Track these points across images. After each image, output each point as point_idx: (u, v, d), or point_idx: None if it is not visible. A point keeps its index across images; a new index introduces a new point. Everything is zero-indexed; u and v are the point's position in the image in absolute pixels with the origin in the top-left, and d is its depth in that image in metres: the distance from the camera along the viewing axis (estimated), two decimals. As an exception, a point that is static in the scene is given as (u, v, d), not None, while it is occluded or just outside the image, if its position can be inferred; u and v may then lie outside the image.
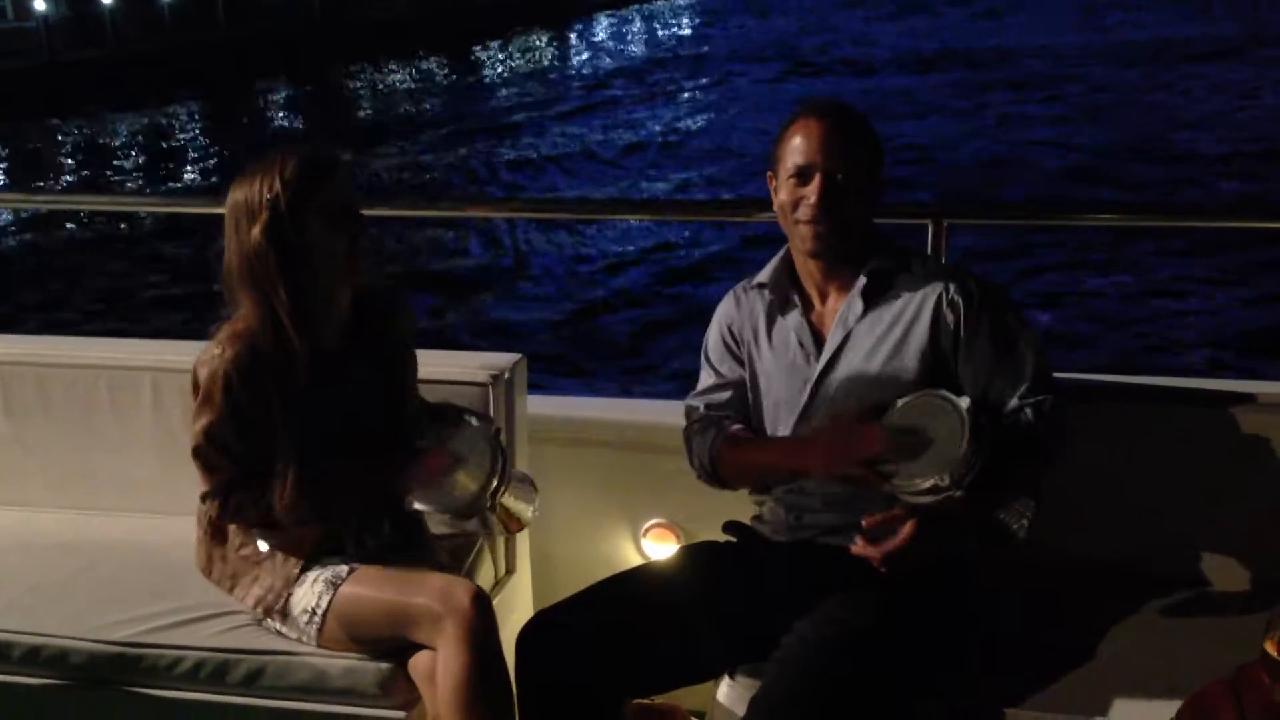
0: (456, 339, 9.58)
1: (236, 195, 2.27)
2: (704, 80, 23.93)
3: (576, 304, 11.05)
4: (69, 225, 15.62)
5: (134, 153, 23.13)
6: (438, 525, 2.52)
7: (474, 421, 2.43)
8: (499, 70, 28.33)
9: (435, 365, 2.70)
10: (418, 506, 2.35)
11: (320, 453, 2.32)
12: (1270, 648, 1.49)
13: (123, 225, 15.00)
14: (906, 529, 2.04)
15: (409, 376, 2.54)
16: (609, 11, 34.81)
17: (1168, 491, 2.50)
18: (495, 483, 2.34)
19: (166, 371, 2.92)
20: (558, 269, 12.14)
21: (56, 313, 11.68)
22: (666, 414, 2.72)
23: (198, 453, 2.35)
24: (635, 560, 2.96)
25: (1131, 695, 2.07)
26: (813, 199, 2.23)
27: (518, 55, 29.90)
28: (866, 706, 2.05)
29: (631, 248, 12.49)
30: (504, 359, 2.82)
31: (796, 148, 2.26)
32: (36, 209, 15.14)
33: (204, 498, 2.38)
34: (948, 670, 2.17)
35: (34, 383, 3.03)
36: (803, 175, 2.25)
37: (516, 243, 13.03)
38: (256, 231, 2.24)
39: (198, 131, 24.71)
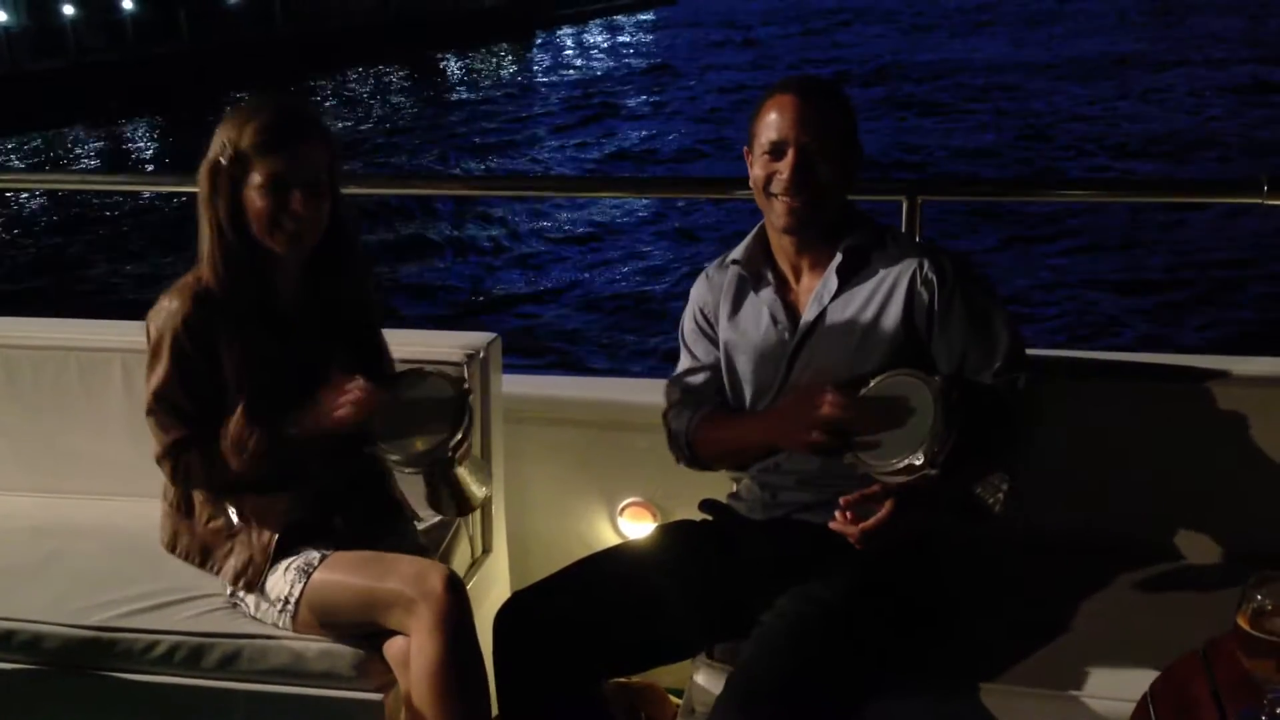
0: (431, 318, 9.54)
1: (218, 128, 2.31)
2: (666, 92, 23.89)
3: (552, 282, 11.03)
4: (30, 205, 15.48)
5: (95, 162, 22.90)
6: (406, 501, 2.50)
7: (442, 378, 2.40)
8: (463, 81, 28.21)
9: (410, 345, 2.69)
10: (379, 455, 2.30)
11: (275, 412, 2.31)
12: (1243, 622, 1.50)
13: (76, 207, 14.87)
14: (884, 507, 2.04)
15: (371, 348, 2.51)
16: (571, 26, 34.63)
17: (1142, 466, 2.51)
18: (459, 436, 2.29)
19: (137, 353, 2.87)
20: (533, 247, 12.11)
21: (17, 293, 11.57)
22: (642, 392, 2.72)
23: (150, 412, 2.34)
24: (612, 539, 2.96)
25: (1105, 669, 2.09)
26: (786, 173, 2.23)
27: (481, 67, 29.77)
28: (842, 683, 2.06)
29: (608, 225, 12.47)
30: (479, 338, 2.81)
31: (770, 123, 2.26)
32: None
33: (157, 460, 2.36)
34: (922, 646, 2.18)
35: (2, 365, 3.00)
36: (776, 150, 2.25)
37: (491, 221, 12.99)
38: (204, 170, 2.29)
39: (159, 142, 24.52)
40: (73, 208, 15.90)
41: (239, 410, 2.29)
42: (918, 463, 2.03)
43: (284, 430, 2.31)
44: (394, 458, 2.32)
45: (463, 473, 2.36)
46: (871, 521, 2.05)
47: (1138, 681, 1.76)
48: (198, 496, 2.44)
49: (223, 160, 2.26)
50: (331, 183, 2.33)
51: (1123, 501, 2.51)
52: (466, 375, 2.69)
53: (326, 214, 2.32)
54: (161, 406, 2.33)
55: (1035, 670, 2.13)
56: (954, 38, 26.51)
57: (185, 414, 2.32)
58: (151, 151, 23.86)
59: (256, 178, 2.25)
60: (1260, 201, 2.74)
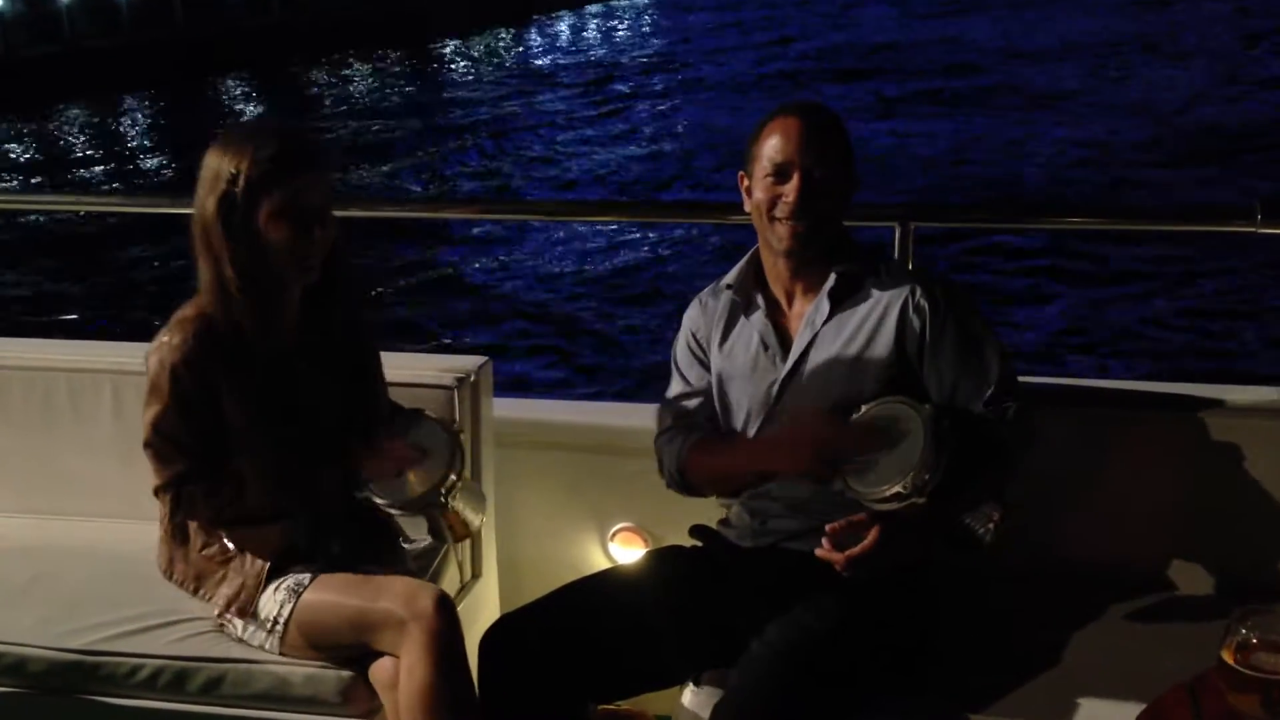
0: (421, 342, 9.52)
1: (210, 159, 2.26)
2: (666, 78, 23.91)
3: (543, 307, 11.03)
4: (23, 222, 15.43)
5: (90, 150, 22.85)
6: (395, 520, 2.50)
7: (434, 419, 2.45)
8: (460, 67, 28.19)
9: (400, 368, 2.68)
10: (374, 500, 2.34)
11: (274, 447, 2.31)
12: (1227, 656, 1.50)
13: (80, 223, 14.83)
14: (870, 535, 2.04)
15: (370, 377, 2.52)
16: (569, 10, 34.62)
17: (1132, 496, 2.50)
18: (451, 478, 2.34)
19: (127, 374, 2.87)
20: (524, 271, 12.10)
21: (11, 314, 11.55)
22: (634, 417, 2.71)
23: (148, 445, 2.33)
24: (603, 564, 2.95)
25: (1093, 700, 2.07)
26: (791, 197, 2.23)
27: (479, 52, 29.78)
28: (829, 711, 2.05)
29: (600, 249, 12.47)
30: (469, 361, 2.81)
31: (774, 146, 2.26)
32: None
33: (156, 492, 2.35)
34: (910, 675, 2.17)
35: (-8, 386, 2.99)
36: (781, 173, 2.25)
37: (484, 245, 12.98)
38: (212, 202, 2.24)
39: (154, 129, 24.51)
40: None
41: (244, 467, 2.30)
42: (906, 490, 2.03)
43: (285, 477, 2.33)
44: (385, 502, 2.36)
45: (458, 504, 2.39)
46: (857, 549, 2.05)
47: (1125, 714, 1.76)
48: (192, 525, 2.43)
49: (235, 190, 2.21)
50: (332, 212, 2.34)
51: (1114, 531, 2.50)
52: (459, 401, 2.69)
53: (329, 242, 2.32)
54: (160, 440, 2.31)
55: (1023, 701, 2.11)
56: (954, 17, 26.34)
57: (184, 447, 2.31)
58: (145, 138, 23.83)
59: (272, 206, 2.21)
60: (1254, 230, 2.74)
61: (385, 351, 2.59)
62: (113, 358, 2.96)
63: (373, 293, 10.74)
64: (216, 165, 2.24)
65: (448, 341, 9.65)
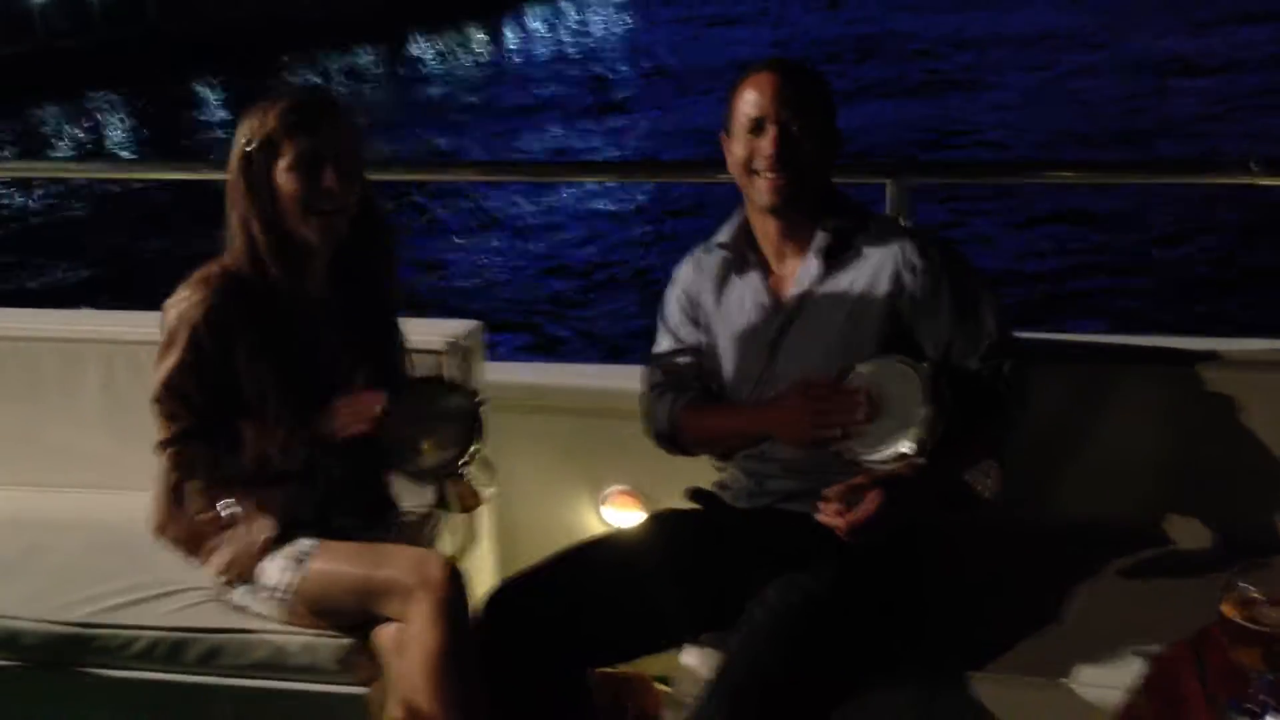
0: (413, 306, 9.49)
1: (241, 122, 2.32)
2: (641, 71, 23.77)
3: (534, 270, 11.01)
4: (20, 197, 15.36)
5: (62, 148, 22.69)
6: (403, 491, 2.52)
7: (456, 387, 2.43)
8: (434, 64, 28.01)
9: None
10: (391, 467, 2.34)
11: (291, 409, 2.30)
12: (1227, 609, 1.49)
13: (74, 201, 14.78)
14: (872, 498, 2.03)
15: (391, 345, 2.52)
16: (542, 4, 34.38)
17: (1130, 451, 2.50)
18: (473, 448, 2.32)
19: (117, 344, 2.87)
20: (514, 234, 12.08)
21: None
22: (626, 379, 2.70)
23: (158, 399, 2.32)
24: (596, 527, 2.95)
25: (1095, 657, 2.07)
26: (769, 150, 2.22)
27: (453, 48, 29.58)
28: (830, 672, 2.05)
29: (588, 211, 12.45)
30: (461, 326, 2.80)
31: (750, 100, 2.25)
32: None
33: (160, 446, 2.34)
34: (911, 634, 2.17)
35: (-20, 356, 2.97)
36: (757, 126, 2.24)
37: (473, 207, 12.94)
38: (235, 160, 2.29)
39: (126, 127, 24.32)
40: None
41: (268, 410, 2.29)
42: (908, 451, 2.02)
43: (306, 430, 2.30)
44: (405, 471, 2.35)
45: (473, 475, 2.38)
46: (859, 513, 2.03)
47: (1128, 669, 1.76)
48: (191, 486, 2.40)
49: (251, 148, 2.27)
50: (360, 169, 2.34)
51: (1110, 487, 2.50)
52: (451, 366, 2.67)
53: (355, 200, 2.32)
54: (171, 395, 2.31)
55: (1024, 659, 2.11)
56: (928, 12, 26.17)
57: (194, 405, 2.30)
58: (118, 136, 23.68)
59: (286, 159, 2.25)
60: (1251, 182, 2.73)
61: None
62: (101, 327, 2.95)
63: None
64: (243, 127, 2.31)
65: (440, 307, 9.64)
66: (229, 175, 2.31)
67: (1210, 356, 2.50)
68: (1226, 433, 2.47)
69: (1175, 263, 9.65)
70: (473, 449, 2.32)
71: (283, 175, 2.26)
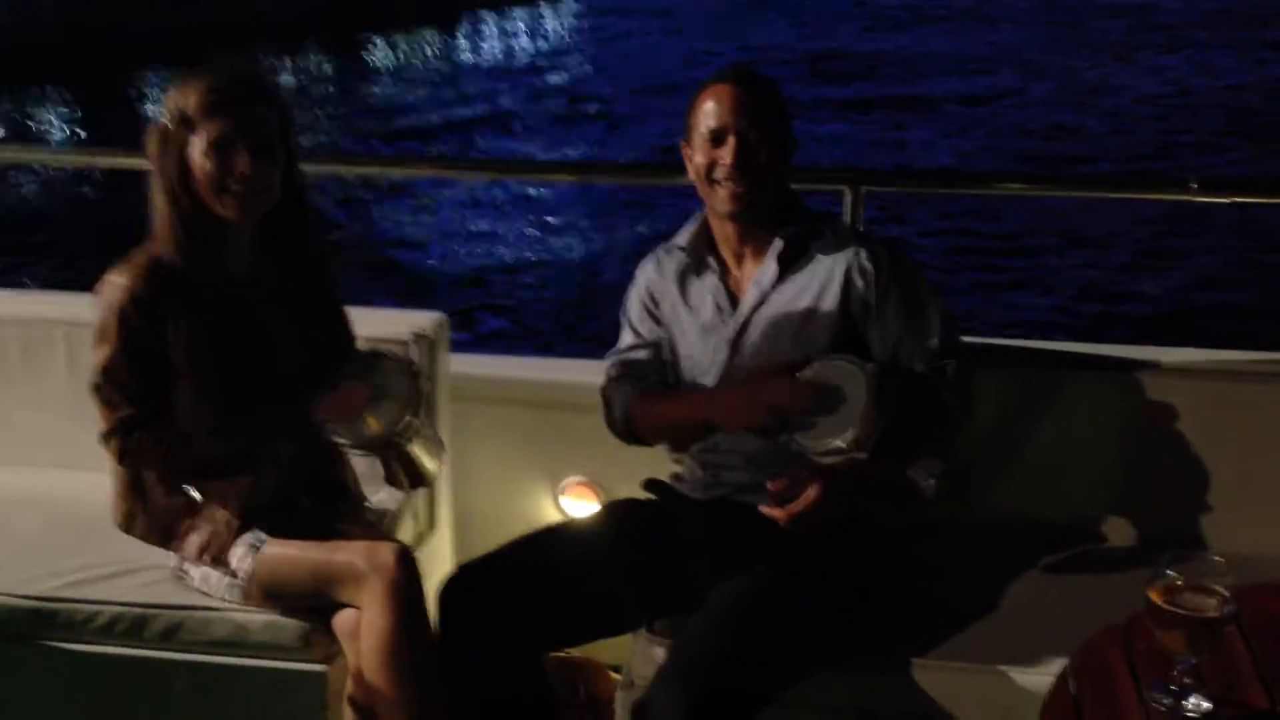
0: (377, 298, 9.45)
1: (166, 98, 2.30)
2: (598, 79, 23.64)
3: (499, 263, 11.01)
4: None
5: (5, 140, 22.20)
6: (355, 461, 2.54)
7: (395, 360, 2.44)
8: (388, 66, 27.68)
9: (357, 323, 2.68)
10: (335, 439, 2.34)
11: (229, 389, 2.31)
12: (1155, 596, 1.57)
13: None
14: (811, 491, 2.10)
15: (331, 318, 2.52)
16: (492, 11, 34.14)
17: (1070, 452, 2.59)
18: (408, 418, 2.33)
19: (81, 325, 2.85)
20: (480, 228, 12.05)
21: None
22: (587, 373, 2.75)
23: (96, 389, 2.31)
24: (555, 517, 2.99)
25: (1030, 643, 2.16)
26: (728, 159, 2.28)
27: (406, 52, 29.25)
28: (779, 658, 2.12)
29: (550, 208, 12.44)
30: (427, 317, 2.83)
31: (709, 111, 2.31)
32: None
33: (103, 436, 2.33)
34: (856, 623, 2.24)
35: (-57, 337, 2.96)
36: (717, 137, 2.30)
37: (436, 203, 12.90)
38: (153, 145, 2.28)
39: (72, 123, 23.87)
40: None
41: (197, 413, 2.29)
42: (847, 445, 2.10)
43: (247, 413, 2.32)
44: (344, 441, 2.34)
45: (416, 449, 2.39)
46: (798, 504, 2.11)
47: (1061, 654, 1.83)
48: (150, 477, 2.42)
49: (170, 125, 2.25)
50: (285, 149, 2.32)
51: (1050, 486, 2.59)
52: (416, 356, 2.71)
53: (278, 181, 2.31)
54: (109, 383, 2.30)
55: (964, 646, 2.20)
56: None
57: (133, 392, 2.29)
58: (65, 128, 23.25)
59: (202, 140, 2.23)
60: (1189, 199, 2.85)
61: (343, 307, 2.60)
62: (65, 308, 2.94)
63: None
64: (166, 103, 2.28)
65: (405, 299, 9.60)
66: (148, 151, 2.29)
67: (1149, 365, 2.60)
68: (1161, 437, 2.57)
69: (1121, 275, 9.83)
70: (410, 419, 2.33)
71: (198, 154, 2.24)
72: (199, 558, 2.38)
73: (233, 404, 2.32)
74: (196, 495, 2.39)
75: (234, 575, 2.33)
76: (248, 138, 2.24)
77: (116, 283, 2.28)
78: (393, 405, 2.33)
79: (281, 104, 2.34)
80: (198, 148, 2.23)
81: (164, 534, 2.43)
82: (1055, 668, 1.83)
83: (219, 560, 2.36)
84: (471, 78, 24.86)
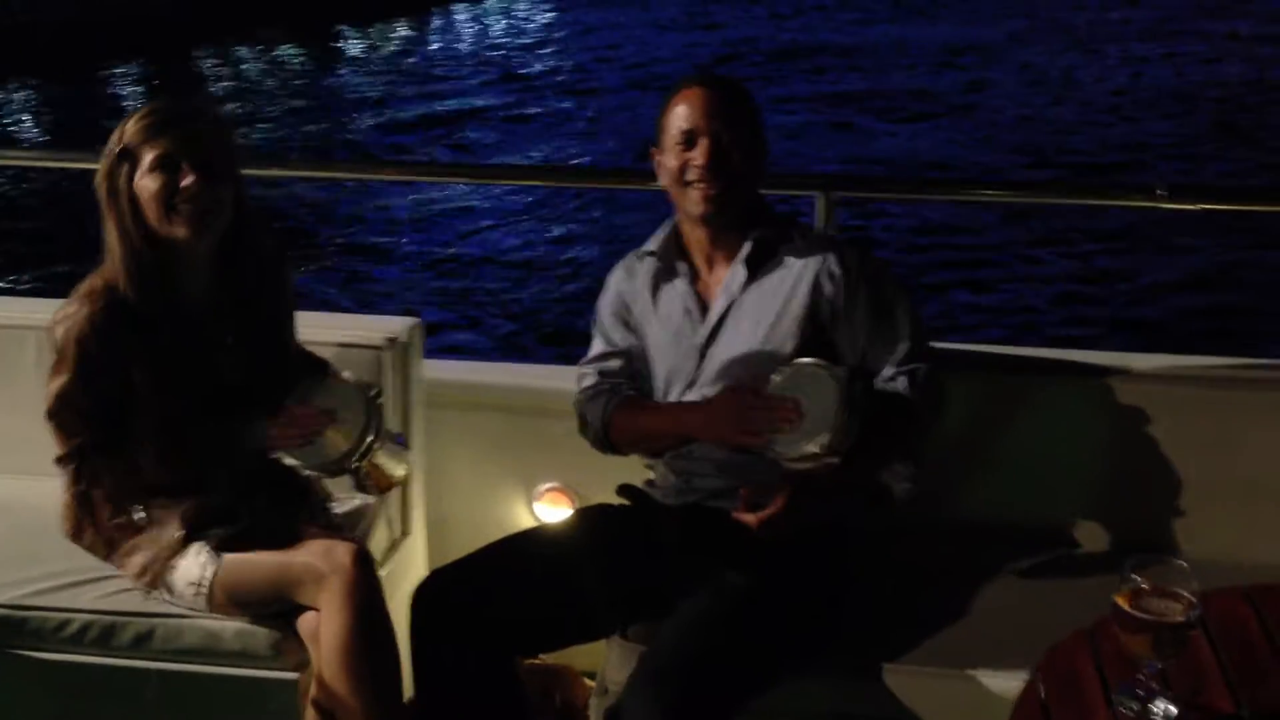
0: (348, 304, 9.44)
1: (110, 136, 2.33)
2: (571, 73, 23.59)
3: (471, 270, 11.00)
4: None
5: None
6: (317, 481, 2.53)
7: (345, 381, 2.43)
8: (360, 59, 27.55)
9: (331, 329, 2.70)
10: (286, 461, 2.34)
11: (185, 413, 2.32)
12: (1121, 600, 1.59)
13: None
14: (782, 496, 2.12)
15: (283, 330, 2.53)
16: (467, 3, 34.02)
17: (1041, 457, 2.61)
18: (367, 440, 2.33)
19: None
20: (453, 234, 12.03)
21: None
22: (561, 379, 2.75)
23: (51, 415, 2.33)
24: (529, 523, 2.98)
25: (1000, 646, 2.18)
26: (700, 160, 2.30)
27: (379, 43, 29.12)
28: (751, 664, 2.12)
29: (523, 213, 12.43)
30: (401, 323, 2.83)
31: (681, 114, 2.33)
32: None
33: (58, 462, 2.35)
34: (829, 628, 2.25)
35: (-89, 343, 2.93)
36: (689, 139, 2.32)
37: (408, 207, 12.87)
38: (101, 167, 2.31)
39: (37, 114, 23.67)
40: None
41: (154, 439, 2.31)
42: (819, 451, 2.11)
43: (203, 439, 2.33)
44: (298, 464, 2.35)
45: (380, 460, 2.39)
46: (769, 510, 2.12)
47: (1031, 658, 1.85)
48: (98, 495, 2.41)
49: (114, 160, 2.28)
50: (230, 170, 2.33)
51: (1021, 491, 2.61)
52: (390, 362, 2.71)
53: (229, 201, 2.32)
54: (64, 410, 2.32)
55: (935, 651, 2.21)
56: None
57: (90, 418, 2.32)
58: (28, 122, 23.03)
59: (146, 163, 2.26)
60: (1156, 205, 2.88)
61: (316, 312, 2.59)
62: (35, 314, 2.92)
63: (300, 255, 10.61)
64: (110, 137, 2.31)
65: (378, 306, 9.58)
66: (97, 185, 2.32)
67: (1119, 370, 2.62)
68: (1131, 442, 2.59)
69: (1090, 281, 9.91)
70: (370, 438, 2.33)
71: (142, 179, 2.27)
72: (138, 579, 2.38)
73: (185, 428, 2.33)
74: (143, 516, 2.40)
75: (198, 584, 2.33)
76: (190, 155, 2.27)
77: (73, 313, 2.30)
78: (347, 431, 2.34)
79: (224, 126, 2.39)
80: (143, 173, 2.26)
81: (108, 549, 2.43)
82: (1025, 672, 1.84)
83: (156, 584, 2.36)
84: (444, 71, 24.75)
